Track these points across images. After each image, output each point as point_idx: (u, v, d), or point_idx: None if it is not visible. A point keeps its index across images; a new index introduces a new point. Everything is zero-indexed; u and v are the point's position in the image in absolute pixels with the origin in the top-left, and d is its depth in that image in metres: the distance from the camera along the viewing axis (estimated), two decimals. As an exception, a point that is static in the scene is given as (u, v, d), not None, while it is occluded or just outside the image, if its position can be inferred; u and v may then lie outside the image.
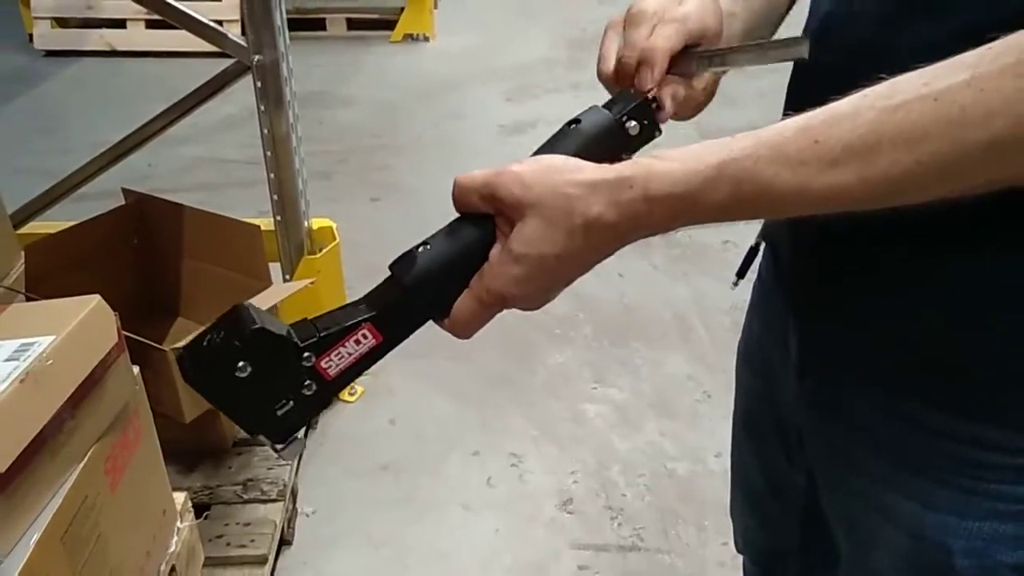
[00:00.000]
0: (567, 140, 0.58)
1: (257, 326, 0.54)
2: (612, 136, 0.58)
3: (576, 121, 0.59)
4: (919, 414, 0.65)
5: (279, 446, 0.58)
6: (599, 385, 2.27)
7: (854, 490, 0.74)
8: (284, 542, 1.80)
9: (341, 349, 0.56)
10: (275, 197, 1.95)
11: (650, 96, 0.61)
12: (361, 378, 2.27)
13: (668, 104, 0.62)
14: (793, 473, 0.88)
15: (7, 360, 0.90)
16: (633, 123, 0.59)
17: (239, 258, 1.82)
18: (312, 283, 1.88)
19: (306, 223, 2.02)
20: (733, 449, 1.01)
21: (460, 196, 0.57)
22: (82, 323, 0.97)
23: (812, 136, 0.48)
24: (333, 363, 0.56)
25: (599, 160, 0.54)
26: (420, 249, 0.57)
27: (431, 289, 0.56)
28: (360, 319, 0.56)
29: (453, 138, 3.93)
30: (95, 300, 1.00)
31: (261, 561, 1.64)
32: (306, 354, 0.55)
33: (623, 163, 0.53)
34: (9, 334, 0.95)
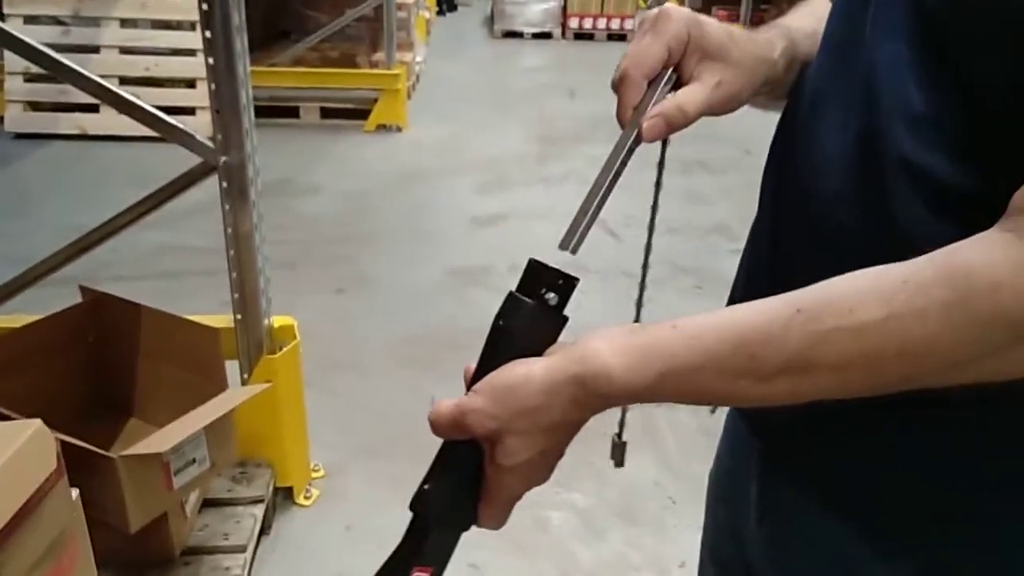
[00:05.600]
0: (502, 345, 0.60)
1: None
2: (537, 318, 0.60)
3: (499, 319, 0.60)
4: (880, 563, 0.64)
5: None
6: (563, 490, 2.22)
7: None
8: (229, 660, 1.71)
9: None
10: (236, 295, 1.92)
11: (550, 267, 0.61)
12: (316, 480, 2.23)
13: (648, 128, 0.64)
14: None
15: None
16: (551, 295, 0.60)
17: (196, 359, 1.79)
18: (269, 385, 1.85)
19: (267, 321, 1.99)
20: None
21: (438, 429, 0.60)
22: (19, 452, 0.93)
23: (748, 351, 0.53)
24: None
25: (539, 343, 0.59)
26: (427, 486, 0.62)
27: (452, 514, 0.63)
28: (409, 569, 0.62)
29: (422, 229, 3.95)
30: (35, 425, 0.96)
31: None
32: None
33: (570, 354, 0.57)
34: (-60, 463, 0.90)
